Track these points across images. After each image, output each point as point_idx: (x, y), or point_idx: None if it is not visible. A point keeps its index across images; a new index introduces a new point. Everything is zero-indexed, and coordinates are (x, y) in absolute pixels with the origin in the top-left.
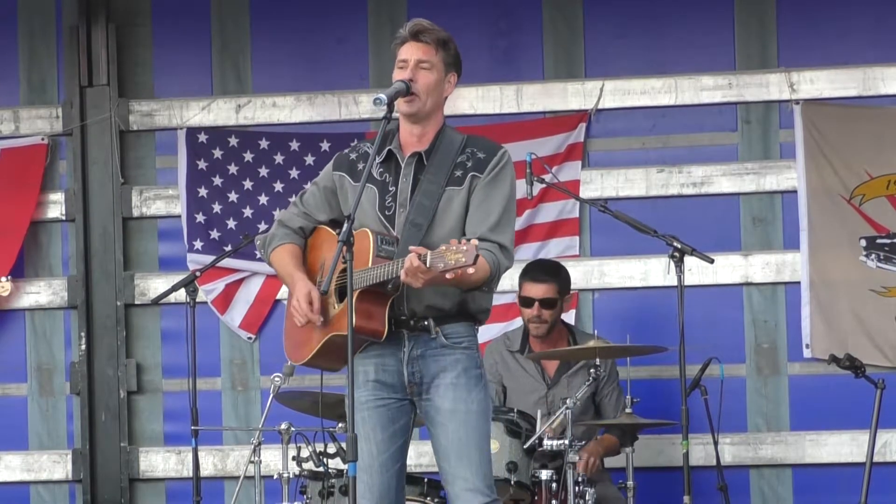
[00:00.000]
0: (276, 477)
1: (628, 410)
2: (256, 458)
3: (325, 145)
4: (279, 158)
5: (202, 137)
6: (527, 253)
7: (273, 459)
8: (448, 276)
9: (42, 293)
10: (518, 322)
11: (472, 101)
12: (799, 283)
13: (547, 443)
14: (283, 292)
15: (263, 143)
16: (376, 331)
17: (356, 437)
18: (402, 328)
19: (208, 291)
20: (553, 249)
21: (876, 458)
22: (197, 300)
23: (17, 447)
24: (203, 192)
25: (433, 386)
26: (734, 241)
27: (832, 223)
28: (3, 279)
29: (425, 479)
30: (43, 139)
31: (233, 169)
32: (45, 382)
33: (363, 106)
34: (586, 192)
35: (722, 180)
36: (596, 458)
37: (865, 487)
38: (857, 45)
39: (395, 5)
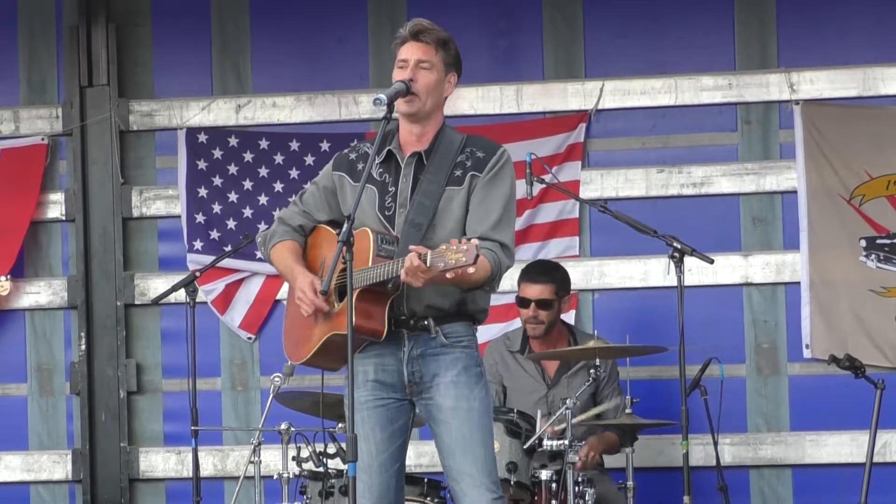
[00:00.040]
0: (276, 477)
1: (628, 410)
2: (256, 459)
3: (325, 145)
4: (279, 158)
5: (202, 137)
6: (527, 253)
7: (273, 459)
8: (448, 275)
9: (42, 293)
10: (518, 322)
11: (472, 101)
12: (799, 283)
13: (547, 443)
14: (283, 292)
15: (263, 144)
16: (376, 330)
17: (356, 437)
18: (401, 328)
19: (208, 291)
20: (553, 250)
21: (876, 459)
22: (197, 300)
23: (17, 447)
24: (203, 192)
25: (434, 385)
26: (734, 242)
27: (832, 223)
28: (3, 278)
29: (425, 479)
30: (43, 139)
31: (233, 169)
32: (45, 382)
33: (363, 106)
34: (586, 193)
35: (722, 180)
36: (595, 452)
37: (865, 488)
38: (857, 45)
39: (395, 5)
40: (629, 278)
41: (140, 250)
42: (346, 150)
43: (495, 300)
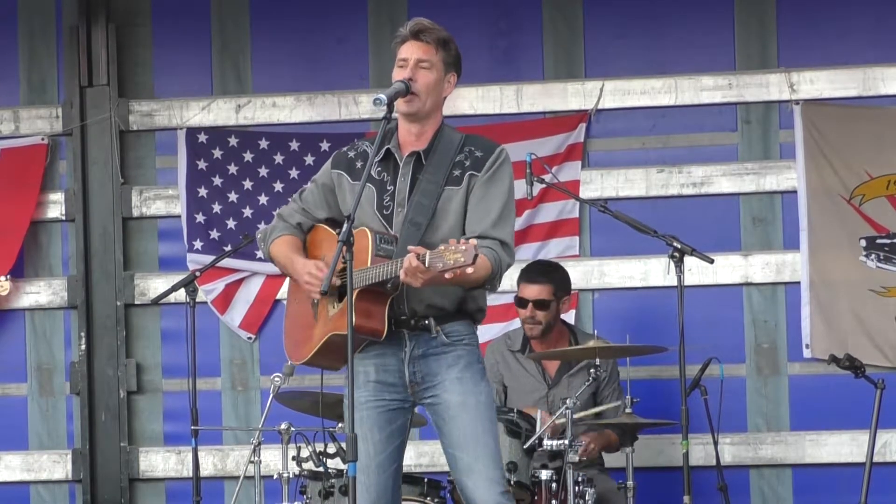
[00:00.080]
0: (276, 477)
1: (628, 410)
2: (256, 458)
3: (324, 145)
4: (279, 158)
5: (202, 137)
6: (527, 253)
7: (273, 459)
8: (447, 275)
9: (42, 293)
10: (518, 322)
11: (472, 101)
12: (799, 283)
13: (547, 443)
14: (282, 292)
15: (263, 143)
16: (376, 330)
17: (356, 437)
18: (402, 328)
19: (208, 291)
20: (553, 249)
21: (876, 458)
22: (197, 300)
23: (17, 447)
24: (203, 192)
25: (438, 382)
26: (734, 241)
27: (832, 223)
28: (3, 278)
29: (425, 479)
30: (43, 139)
31: (233, 169)
32: (45, 382)
33: (363, 106)
34: (586, 193)
35: (722, 180)
36: (596, 445)
37: (865, 487)
38: (857, 45)
39: (395, 5)
40: (629, 278)
41: (140, 250)
42: (344, 149)
43: (496, 300)
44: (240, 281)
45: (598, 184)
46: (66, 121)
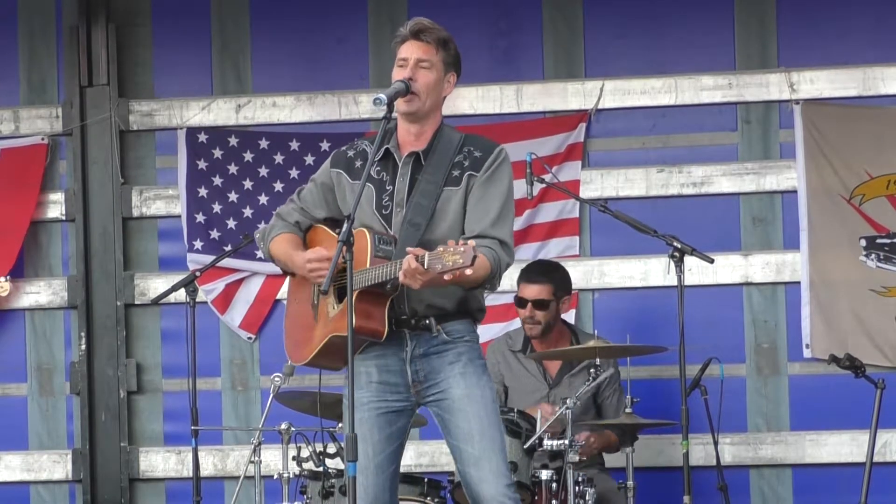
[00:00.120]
0: (276, 477)
1: (628, 410)
2: (256, 458)
3: (324, 145)
4: (279, 158)
5: (202, 137)
6: (527, 253)
7: (273, 459)
8: (446, 277)
9: (42, 293)
10: (519, 322)
11: (472, 101)
12: (799, 283)
13: (547, 443)
14: (283, 292)
15: (263, 143)
16: (376, 331)
17: (356, 437)
18: (403, 328)
19: (208, 291)
20: (553, 249)
21: (876, 458)
22: (197, 300)
23: (17, 447)
24: (203, 192)
25: (441, 379)
26: (734, 241)
27: (832, 223)
28: (2, 279)
29: (425, 479)
30: (43, 139)
31: (233, 169)
32: (45, 382)
33: (363, 106)
34: (586, 192)
35: (722, 180)
36: (596, 441)
37: (865, 487)
38: (857, 45)
39: (395, 5)
40: (629, 278)
41: (140, 250)
42: (344, 148)
43: (496, 300)
44: (240, 281)
45: (598, 184)
46: (66, 121)
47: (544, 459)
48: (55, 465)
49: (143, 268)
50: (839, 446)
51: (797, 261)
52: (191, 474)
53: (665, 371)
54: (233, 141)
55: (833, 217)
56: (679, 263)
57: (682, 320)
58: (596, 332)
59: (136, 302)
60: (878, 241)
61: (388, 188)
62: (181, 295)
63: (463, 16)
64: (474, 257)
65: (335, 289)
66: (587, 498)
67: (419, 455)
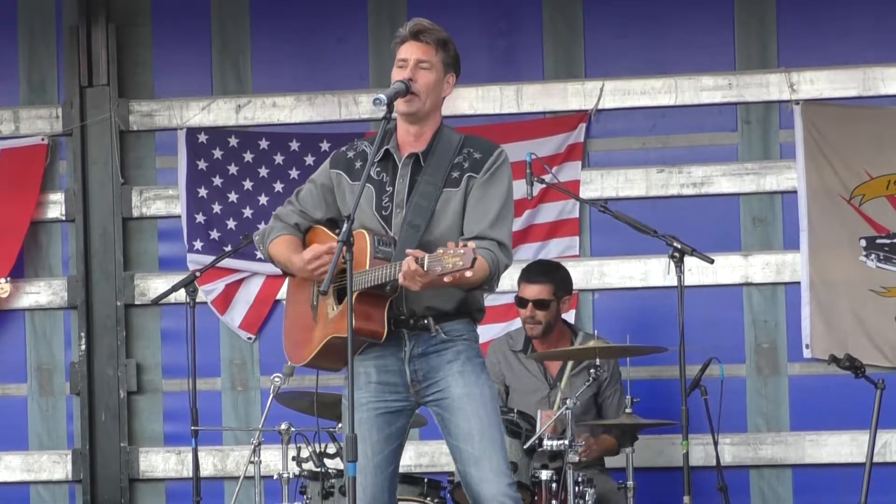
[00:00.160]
0: (276, 477)
1: (628, 410)
2: (256, 459)
3: (324, 145)
4: (279, 159)
5: (202, 137)
6: (527, 253)
7: (273, 459)
8: (446, 279)
9: (42, 293)
10: (519, 322)
11: (472, 101)
12: (799, 283)
13: (547, 443)
14: (282, 292)
15: (263, 144)
16: (375, 332)
17: (355, 438)
18: (401, 328)
19: (208, 291)
20: (553, 250)
21: (876, 459)
22: (197, 300)
23: (17, 447)
24: (203, 192)
25: (440, 378)
26: (734, 242)
27: (832, 223)
28: (2, 281)
29: (425, 479)
30: (43, 139)
31: (233, 169)
32: (45, 382)
33: (363, 106)
34: (586, 193)
35: (722, 180)
36: (595, 445)
37: (865, 487)
38: (857, 45)
39: (395, 5)
40: (629, 278)
41: (140, 250)
42: (343, 148)
43: (496, 300)
44: (240, 281)
45: (598, 184)
46: (66, 121)
47: (544, 459)
48: (55, 466)
49: (143, 268)
50: (839, 447)
51: (797, 261)
52: (191, 474)
53: (665, 371)
54: (233, 141)
55: (833, 217)
56: (679, 264)
57: (682, 320)
58: (596, 332)
59: (136, 302)
60: (878, 241)
61: (387, 189)
62: (181, 295)
63: (463, 16)
64: (474, 259)
65: (335, 290)
66: (587, 498)
67: (419, 455)
